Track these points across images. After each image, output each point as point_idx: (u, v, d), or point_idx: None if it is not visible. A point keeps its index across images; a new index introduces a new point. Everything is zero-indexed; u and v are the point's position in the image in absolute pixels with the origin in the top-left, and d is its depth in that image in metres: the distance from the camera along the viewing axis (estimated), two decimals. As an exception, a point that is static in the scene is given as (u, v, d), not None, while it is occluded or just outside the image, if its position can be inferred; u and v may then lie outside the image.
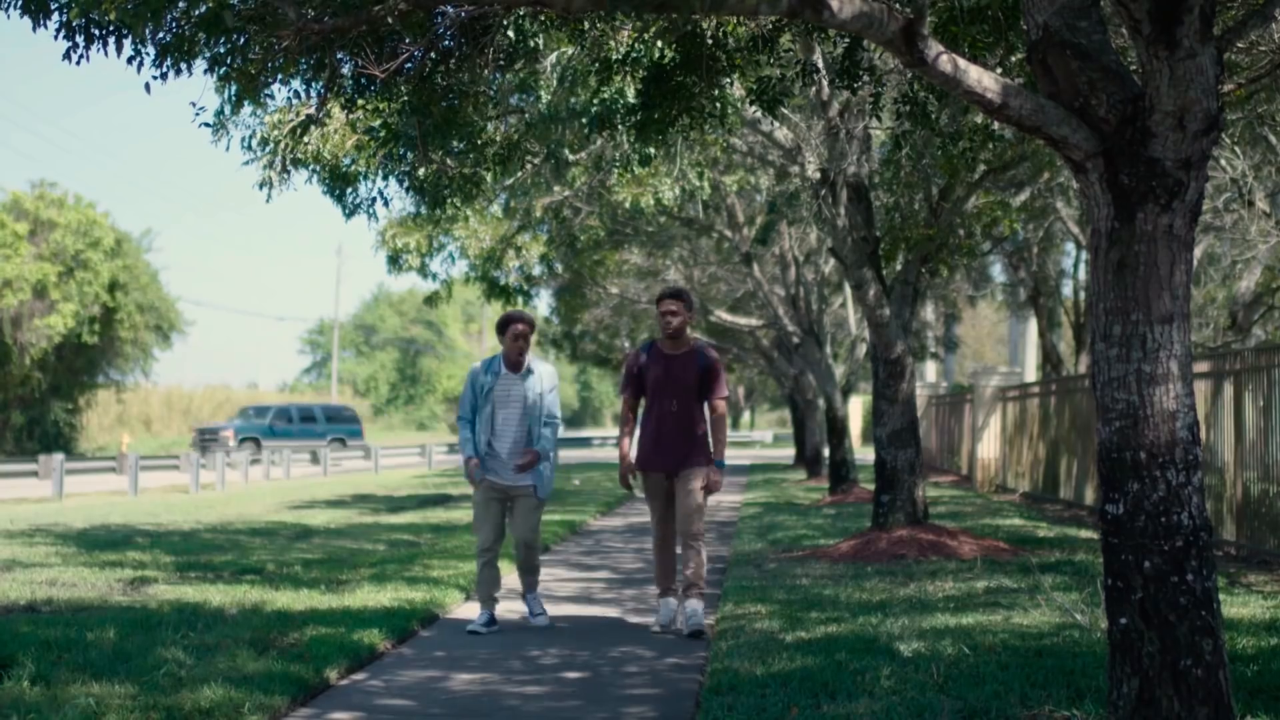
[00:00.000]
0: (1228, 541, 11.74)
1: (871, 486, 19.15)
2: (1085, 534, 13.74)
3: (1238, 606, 8.33)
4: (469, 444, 8.55)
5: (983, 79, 4.65)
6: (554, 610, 9.25)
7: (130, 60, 6.01)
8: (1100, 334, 4.70)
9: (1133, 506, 4.59)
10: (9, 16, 6.07)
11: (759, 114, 12.82)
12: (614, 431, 73.47)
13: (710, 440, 8.40)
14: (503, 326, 8.57)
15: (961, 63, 4.65)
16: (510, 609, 9.19)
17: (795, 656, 6.78)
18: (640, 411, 8.62)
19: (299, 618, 8.28)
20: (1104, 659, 6.35)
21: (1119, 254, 4.65)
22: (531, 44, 7.23)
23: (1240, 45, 8.48)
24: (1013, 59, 8.28)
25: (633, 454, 8.55)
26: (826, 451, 25.64)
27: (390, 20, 6.17)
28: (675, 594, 8.54)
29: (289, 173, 9.58)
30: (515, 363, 8.56)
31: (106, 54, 5.93)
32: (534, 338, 8.84)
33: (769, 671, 6.42)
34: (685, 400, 8.30)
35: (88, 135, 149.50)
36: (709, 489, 8.29)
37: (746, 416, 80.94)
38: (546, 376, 8.60)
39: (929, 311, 30.53)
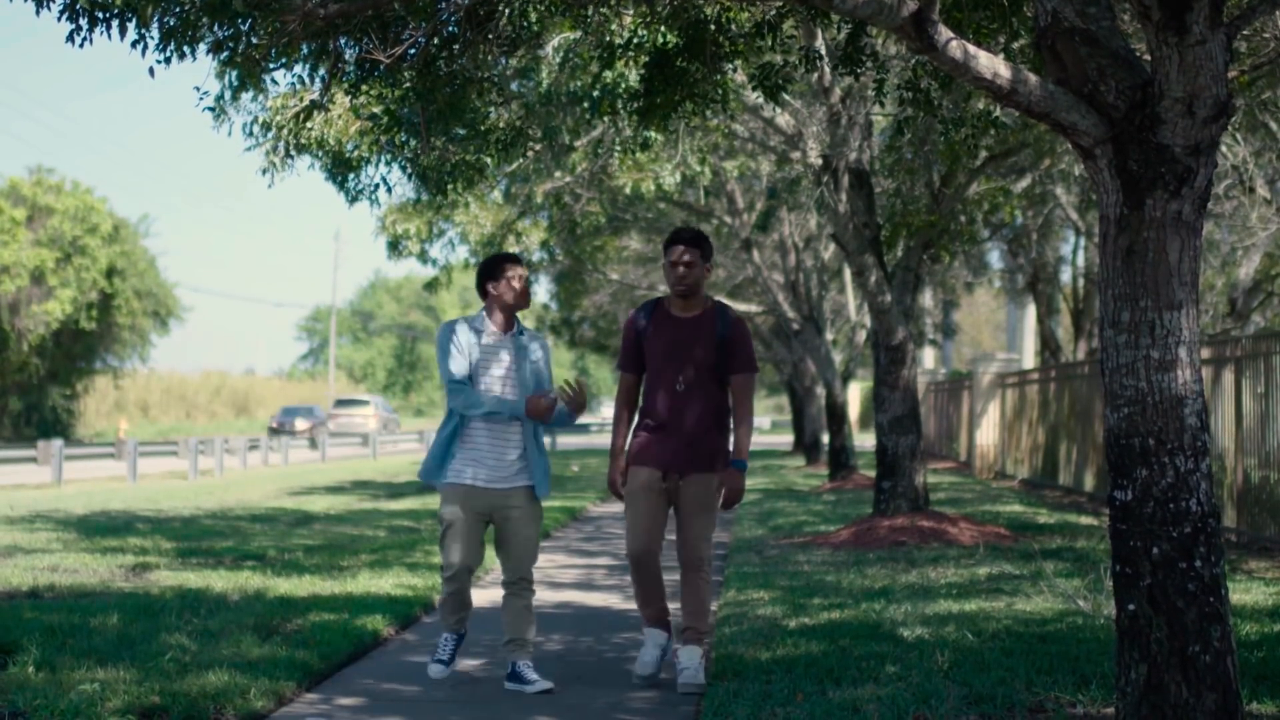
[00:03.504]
0: (1228, 528, 11.75)
1: (870, 473, 19.15)
2: (1085, 520, 13.76)
3: (1240, 593, 8.34)
4: (494, 401, 6.23)
5: (993, 65, 4.64)
6: (557, 596, 9.26)
7: (134, 44, 5.99)
8: (1109, 320, 4.70)
9: (1141, 493, 4.60)
10: (11, 0, 6.06)
11: (760, 99, 12.80)
12: (607, 417, 72.67)
13: (730, 431, 6.42)
14: (494, 269, 6.38)
15: (971, 49, 4.64)
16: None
17: (799, 642, 6.78)
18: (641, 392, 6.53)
19: (302, 604, 8.28)
20: (1108, 645, 6.36)
21: (1128, 241, 4.65)
22: (535, 28, 7.21)
23: (1245, 32, 8.46)
24: (1015, 45, 8.27)
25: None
26: (826, 438, 25.64)
27: (396, 5, 6.15)
28: (667, 624, 6.42)
29: (292, 158, 9.57)
30: (507, 321, 6.41)
31: (110, 37, 5.91)
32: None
33: (773, 657, 6.43)
34: (700, 377, 6.26)
35: (86, 121, 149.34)
36: (728, 500, 6.29)
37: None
38: (539, 345, 6.51)
39: (927, 298, 30.52)
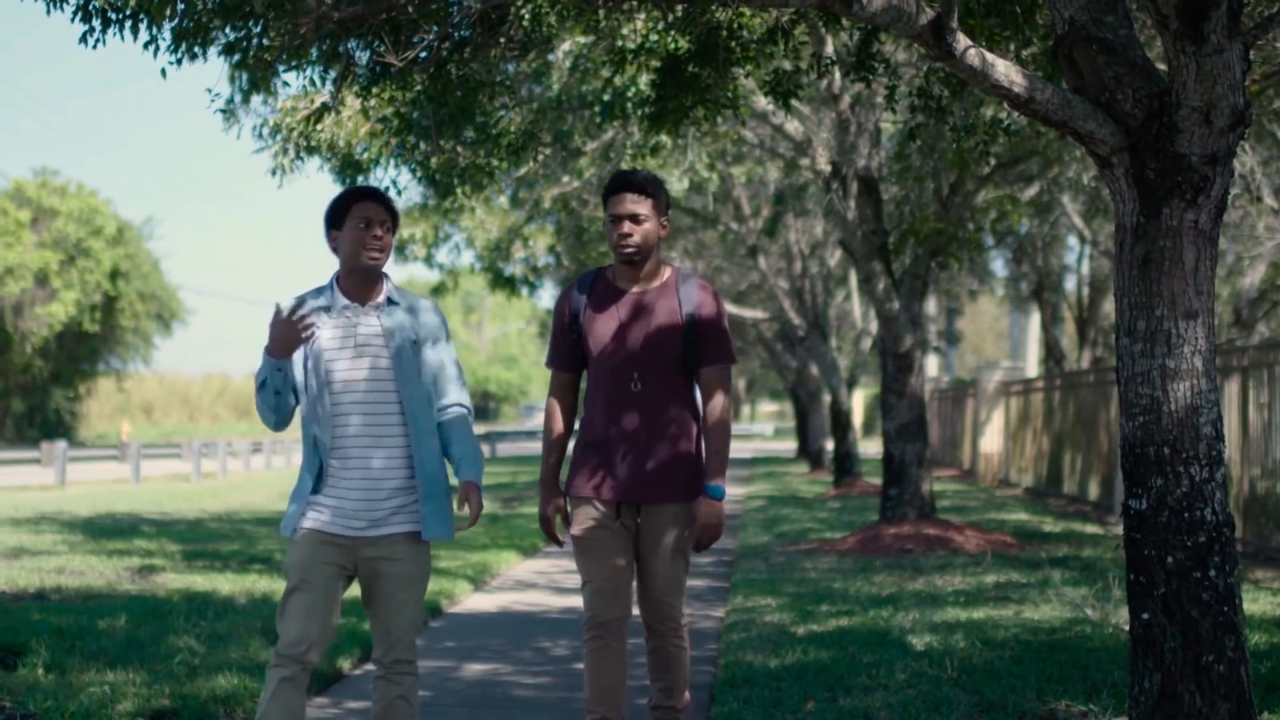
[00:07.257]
0: (1234, 538, 11.72)
1: (874, 480, 19.13)
2: (1091, 528, 13.74)
3: (1247, 602, 8.31)
4: (275, 400, 4.29)
5: (1010, 73, 4.64)
6: (563, 601, 9.24)
7: (146, 45, 6.01)
8: (1124, 329, 4.69)
9: (1156, 502, 4.58)
10: (22, 0, 6.08)
11: (770, 106, 12.80)
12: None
13: (702, 448, 4.67)
14: (337, 212, 4.30)
15: (989, 56, 4.64)
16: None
17: (808, 649, 6.77)
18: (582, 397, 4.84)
19: (309, 607, 8.25)
20: (1118, 654, 6.36)
21: (1144, 249, 4.64)
22: (547, 33, 7.22)
23: (1259, 41, 8.47)
24: (1026, 52, 8.27)
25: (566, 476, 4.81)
26: (830, 445, 25.62)
27: (409, 9, 6.16)
28: None
29: (302, 160, 9.57)
30: (363, 286, 4.32)
31: (123, 38, 5.92)
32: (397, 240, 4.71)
33: (782, 664, 6.42)
34: (658, 373, 4.61)
35: (90, 123, 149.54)
36: (702, 538, 4.59)
37: (746, 410, 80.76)
38: (427, 312, 4.39)
39: (931, 305, 30.52)
